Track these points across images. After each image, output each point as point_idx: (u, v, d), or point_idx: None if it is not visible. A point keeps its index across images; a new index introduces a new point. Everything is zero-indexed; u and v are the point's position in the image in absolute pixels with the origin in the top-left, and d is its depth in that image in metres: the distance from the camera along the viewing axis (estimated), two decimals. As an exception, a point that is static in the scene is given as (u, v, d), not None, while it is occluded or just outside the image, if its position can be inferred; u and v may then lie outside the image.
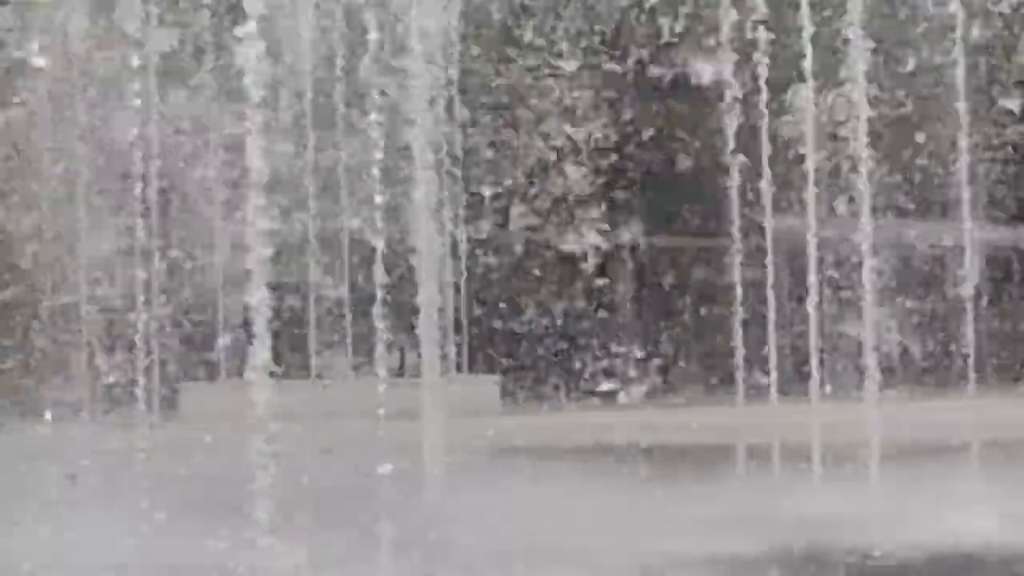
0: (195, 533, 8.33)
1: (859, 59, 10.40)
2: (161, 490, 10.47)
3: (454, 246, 23.54)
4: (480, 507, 9.38)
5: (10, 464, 12.99)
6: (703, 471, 11.12)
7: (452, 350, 23.80)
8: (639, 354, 26.40)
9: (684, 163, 26.69)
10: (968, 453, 11.12)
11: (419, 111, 8.88)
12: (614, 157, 27.37)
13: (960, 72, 12.65)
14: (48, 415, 22.93)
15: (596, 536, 8.22)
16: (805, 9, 10.84)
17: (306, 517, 8.98)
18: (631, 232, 27.00)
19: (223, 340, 26.32)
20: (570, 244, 28.17)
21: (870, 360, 10.19)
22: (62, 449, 15.49)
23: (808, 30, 10.64)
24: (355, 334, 33.12)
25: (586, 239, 27.13)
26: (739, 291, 11.83)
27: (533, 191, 29.11)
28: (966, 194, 12.53)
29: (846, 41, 10.42)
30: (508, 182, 29.61)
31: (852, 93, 10.82)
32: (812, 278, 10.91)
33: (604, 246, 27.40)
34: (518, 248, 30.68)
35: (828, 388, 11.17)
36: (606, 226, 27.35)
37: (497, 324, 31.29)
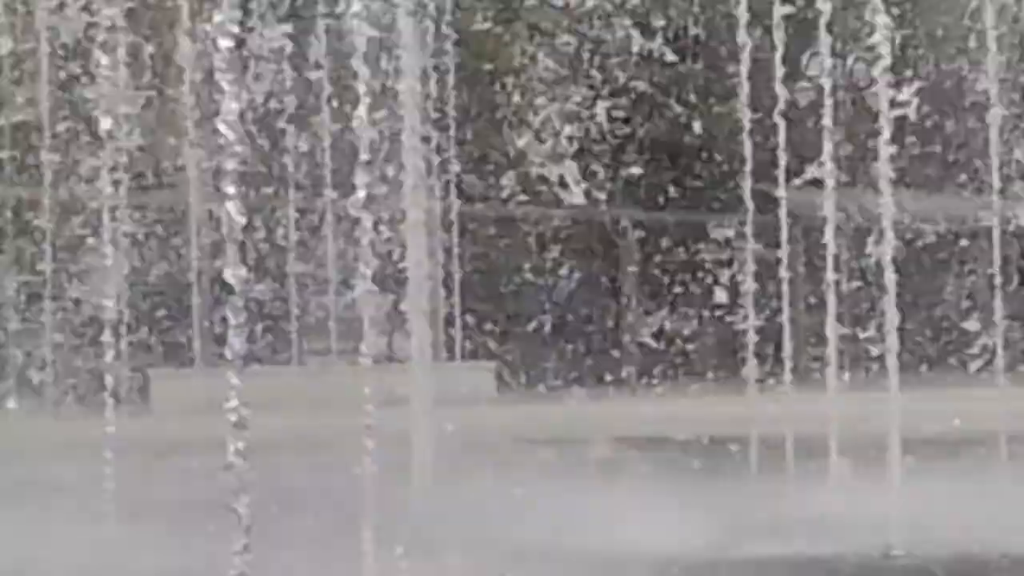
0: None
1: (880, 18, 10.36)
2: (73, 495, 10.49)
3: (444, 218, 23.57)
4: (487, 513, 9.27)
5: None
6: (741, 465, 11.16)
7: (441, 334, 23.80)
8: (645, 338, 26.51)
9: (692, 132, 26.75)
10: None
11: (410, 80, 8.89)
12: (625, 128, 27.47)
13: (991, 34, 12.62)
14: (11, 403, 23.10)
15: (680, 542, 8.06)
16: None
17: (261, 528, 8.98)
18: (635, 205, 27.08)
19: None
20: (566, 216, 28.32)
21: (892, 346, 10.20)
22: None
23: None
24: (339, 316, 33.28)
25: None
26: (751, 270, 11.87)
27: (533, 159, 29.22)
28: (995, 167, 12.50)
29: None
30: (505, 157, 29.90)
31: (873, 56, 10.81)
32: (830, 257, 10.95)
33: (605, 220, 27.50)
34: (516, 221, 30.85)
35: (846, 376, 11.23)
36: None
37: (490, 307, 31.44)
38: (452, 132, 23.85)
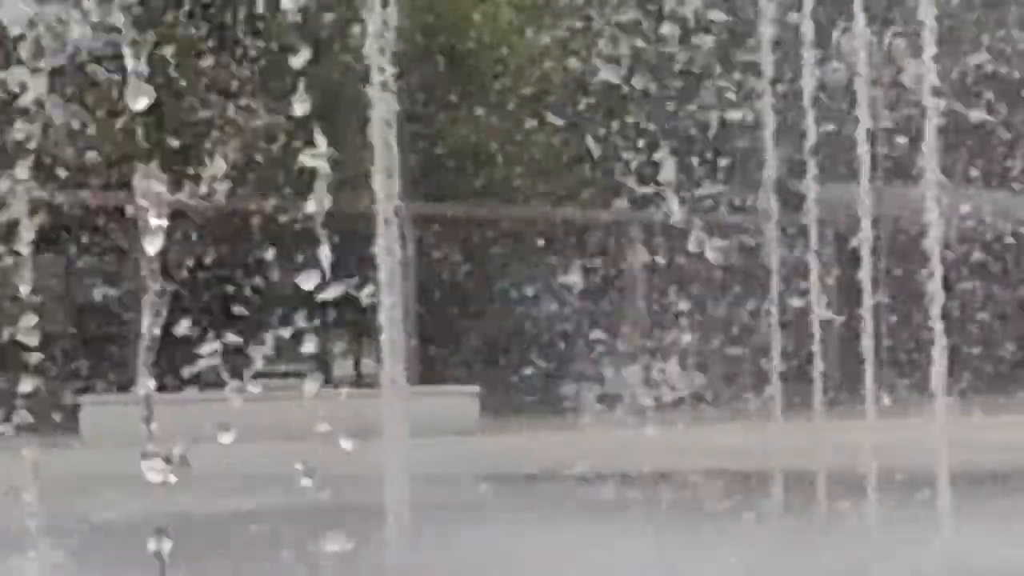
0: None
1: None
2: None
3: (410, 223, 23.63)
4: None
5: None
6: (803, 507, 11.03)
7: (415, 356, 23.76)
8: (644, 356, 26.37)
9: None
10: None
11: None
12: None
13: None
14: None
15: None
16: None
17: None
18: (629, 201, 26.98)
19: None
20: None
21: (938, 366, 10.11)
22: None
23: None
24: (302, 335, 33.21)
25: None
26: (776, 279, 11.78)
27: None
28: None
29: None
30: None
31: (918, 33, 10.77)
32: (866, 265, 10.85)
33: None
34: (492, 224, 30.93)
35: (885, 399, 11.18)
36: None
37: (465, 323, 31.52)
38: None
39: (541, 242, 28.52)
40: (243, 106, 30.45)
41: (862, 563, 8.96)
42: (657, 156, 10.52)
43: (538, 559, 8.98)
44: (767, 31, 12.03)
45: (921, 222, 10.46)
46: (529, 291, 30.38)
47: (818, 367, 11.21)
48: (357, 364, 32.86)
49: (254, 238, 31.04)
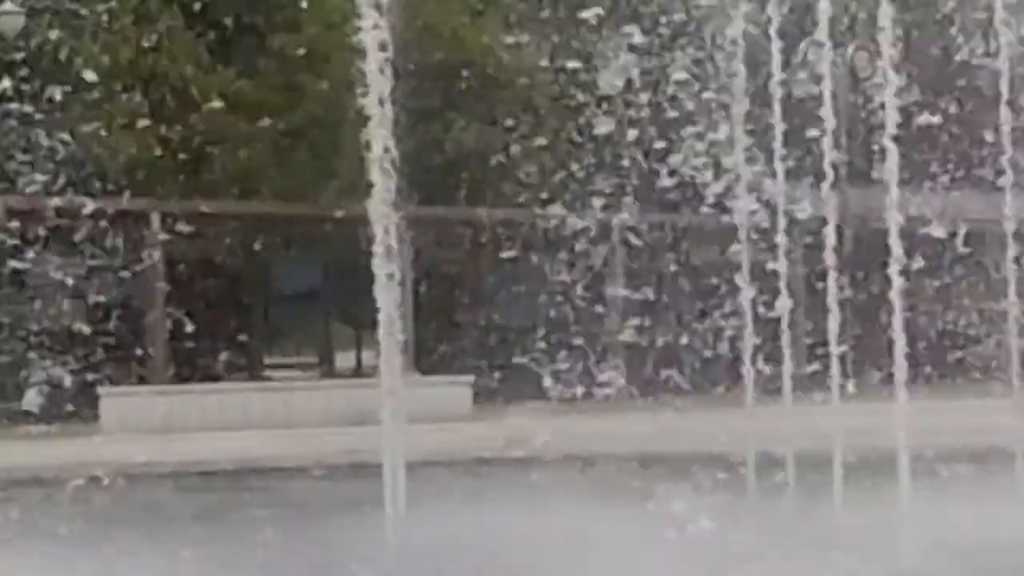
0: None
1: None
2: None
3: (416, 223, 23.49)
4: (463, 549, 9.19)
5: None
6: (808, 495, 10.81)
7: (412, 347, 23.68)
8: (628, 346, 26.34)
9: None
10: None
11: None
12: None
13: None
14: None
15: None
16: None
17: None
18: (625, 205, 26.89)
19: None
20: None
21: (900, 352, 10.10)
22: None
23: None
24: (304, 330, 33.06)
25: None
26: (746, 271, 11.78)
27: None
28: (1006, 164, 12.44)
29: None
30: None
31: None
32: (831, 258, 10.84)
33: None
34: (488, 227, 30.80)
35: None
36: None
37: (461, 316, 31.47)
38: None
39: (522, 242, 28.36)
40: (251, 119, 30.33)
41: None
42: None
43: (527, 533, 9.03)
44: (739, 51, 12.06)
45: (883, 221, 10.51)
46: (517, 288, 30.22)
47: (787, 358, 11.23)
48: (358, 356, 32.75)
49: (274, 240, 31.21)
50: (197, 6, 31.93)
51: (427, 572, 8.09)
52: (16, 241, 22.92)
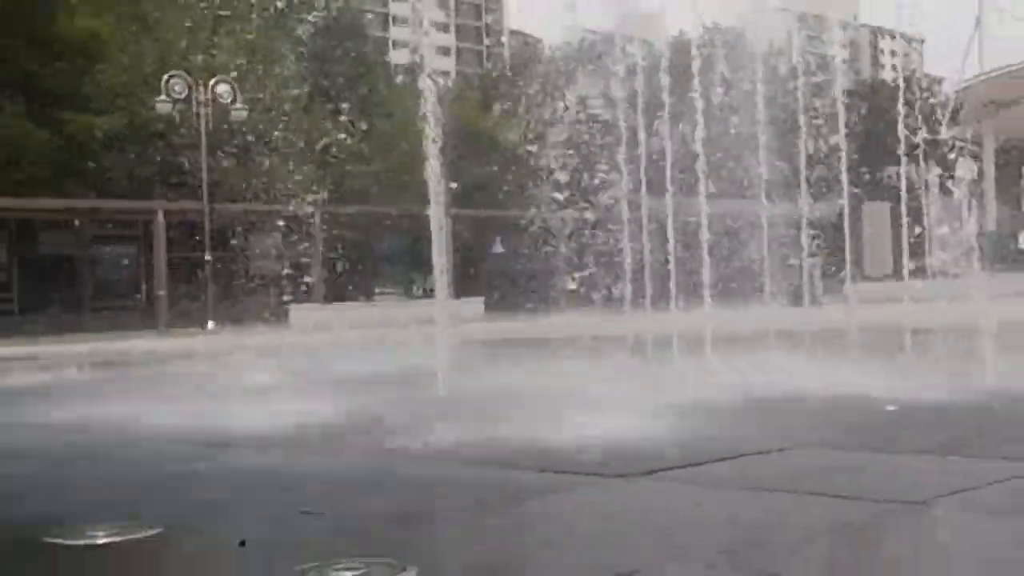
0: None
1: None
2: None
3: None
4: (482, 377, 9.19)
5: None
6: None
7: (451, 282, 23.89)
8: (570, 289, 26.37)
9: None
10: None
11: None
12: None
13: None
14: (211, 325, 23.08)
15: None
16: None
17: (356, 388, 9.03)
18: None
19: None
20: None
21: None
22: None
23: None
24: (394, 275, 33.23)
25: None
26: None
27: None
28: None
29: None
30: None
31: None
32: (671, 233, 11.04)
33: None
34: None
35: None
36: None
37: (478, 267, 31.66)
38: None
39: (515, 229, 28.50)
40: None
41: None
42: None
43: (522, 380, 8.86)
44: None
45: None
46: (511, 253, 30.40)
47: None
48: (423, 288, 33.13)
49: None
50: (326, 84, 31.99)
51: (467, 399, 7.71)
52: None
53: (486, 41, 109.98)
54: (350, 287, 29.89)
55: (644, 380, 8.36)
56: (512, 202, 28.52)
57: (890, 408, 6.65)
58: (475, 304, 26.23)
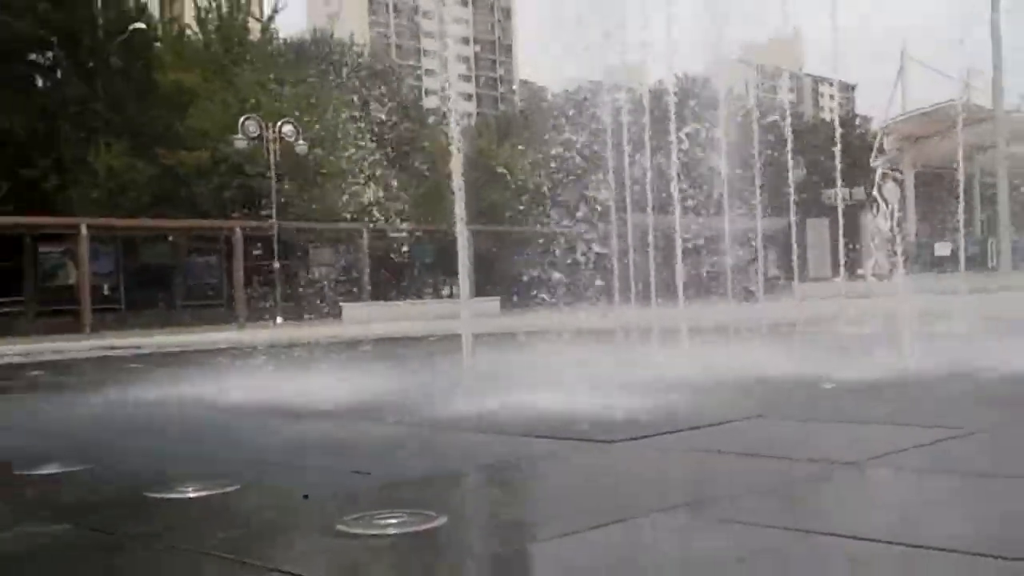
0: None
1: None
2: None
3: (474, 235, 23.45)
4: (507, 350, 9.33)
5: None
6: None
7: (472, 284, 23.72)
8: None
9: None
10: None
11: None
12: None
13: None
14: (279, 319, 23.03)
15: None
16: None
17: (398, 362, 9.00)
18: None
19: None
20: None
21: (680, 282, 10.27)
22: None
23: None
24: (427, 280, 33.01)
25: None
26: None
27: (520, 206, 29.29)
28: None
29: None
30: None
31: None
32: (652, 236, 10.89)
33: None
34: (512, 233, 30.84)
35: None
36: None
37: (495, 270, 31.52)
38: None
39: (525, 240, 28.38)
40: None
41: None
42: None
43: (541, 362, 8.72)
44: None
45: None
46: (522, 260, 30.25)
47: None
48: (450, 290, 33.05)
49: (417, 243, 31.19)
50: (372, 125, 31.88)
51: (487, 377, 7.61)
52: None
53: (500, 89, 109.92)
54: (393, 292, 29.87)
55: (627, 362, 8.36)
56: (521, 220, 28.50)
57: (828, 386, 6.61)
58: (492, 303, 26.19)
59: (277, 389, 7.38)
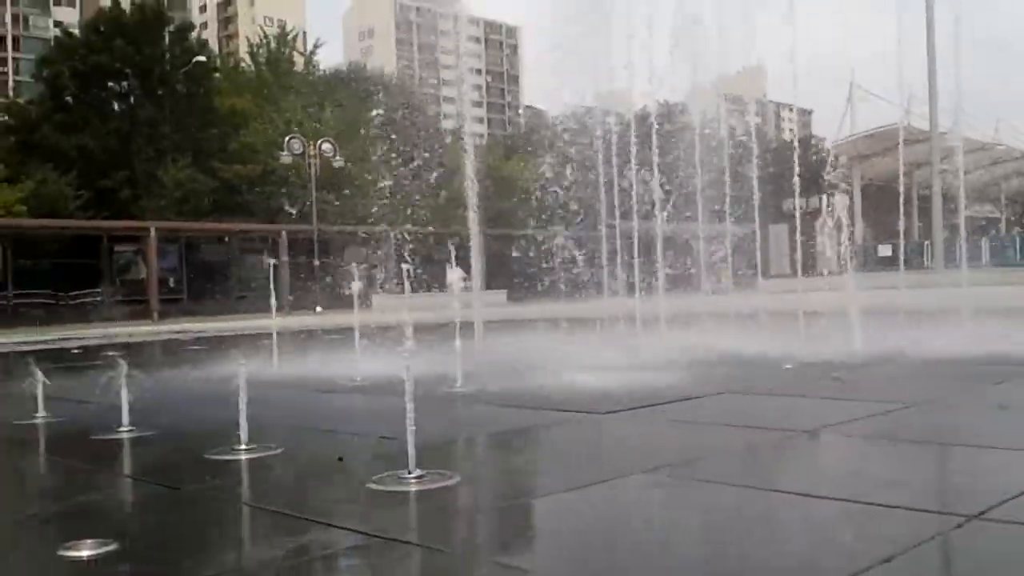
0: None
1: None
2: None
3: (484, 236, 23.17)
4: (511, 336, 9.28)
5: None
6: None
7: (483, 278, 23.47)
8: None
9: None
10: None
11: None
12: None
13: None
14: (318, 308, 22.90)
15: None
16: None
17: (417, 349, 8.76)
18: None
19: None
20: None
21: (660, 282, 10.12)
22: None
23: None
24: (439, 271, 32.97)
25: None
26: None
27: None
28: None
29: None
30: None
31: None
32: (636, 252, 10.77)
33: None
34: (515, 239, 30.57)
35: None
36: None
37: (503, 267, 31.25)
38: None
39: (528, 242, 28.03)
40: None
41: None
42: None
43: (540, 345, 8.65)
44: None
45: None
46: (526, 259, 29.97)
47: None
48: (465, 284, 32.72)
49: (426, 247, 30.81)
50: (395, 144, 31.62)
51: (496, 356, 7.59)
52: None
53: (508, 112, 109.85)
54: (415, 284, 29.75)
55: (616, 346, 8.26)
56: (525, 224, 28.37)
57: (788, 367, 6.55)
58: (500, 295, 26.14)
59: (316, 366, 7.36)
